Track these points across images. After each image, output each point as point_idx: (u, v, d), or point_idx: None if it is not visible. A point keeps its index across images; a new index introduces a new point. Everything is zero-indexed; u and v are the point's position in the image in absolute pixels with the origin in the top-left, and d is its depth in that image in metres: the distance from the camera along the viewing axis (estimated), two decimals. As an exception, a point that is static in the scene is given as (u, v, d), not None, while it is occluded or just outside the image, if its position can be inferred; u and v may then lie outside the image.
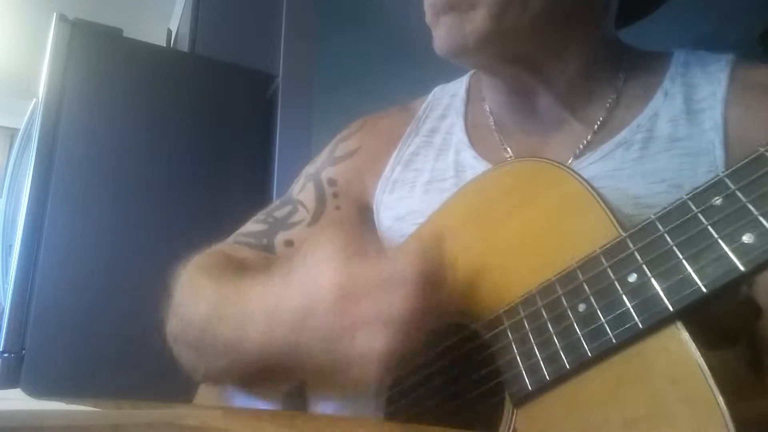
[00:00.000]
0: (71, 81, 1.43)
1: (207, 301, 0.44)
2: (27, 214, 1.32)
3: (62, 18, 1.46)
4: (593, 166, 0.50)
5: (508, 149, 0.56)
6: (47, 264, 1.30)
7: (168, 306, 0.49)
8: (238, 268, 0.53)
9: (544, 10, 0.47)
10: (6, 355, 1.25)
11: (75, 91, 1.43)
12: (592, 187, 0.37)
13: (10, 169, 1.69)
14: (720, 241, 0.27)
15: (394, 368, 0.33)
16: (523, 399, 0.34)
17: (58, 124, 1.39)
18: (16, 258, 1.30)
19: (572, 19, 0.50)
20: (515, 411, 0.34)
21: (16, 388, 1.20)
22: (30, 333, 1.26)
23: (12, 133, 3.04)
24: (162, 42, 2.54)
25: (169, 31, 2.66)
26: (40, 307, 1.28)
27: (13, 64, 3.03)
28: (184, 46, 2.30)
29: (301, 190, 0.65)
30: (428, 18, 0.52)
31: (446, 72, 0.69)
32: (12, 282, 1.29)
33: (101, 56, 1.49)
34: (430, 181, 0.58)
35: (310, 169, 0.67)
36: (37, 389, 1.25)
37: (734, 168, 0.29)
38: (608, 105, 0.53)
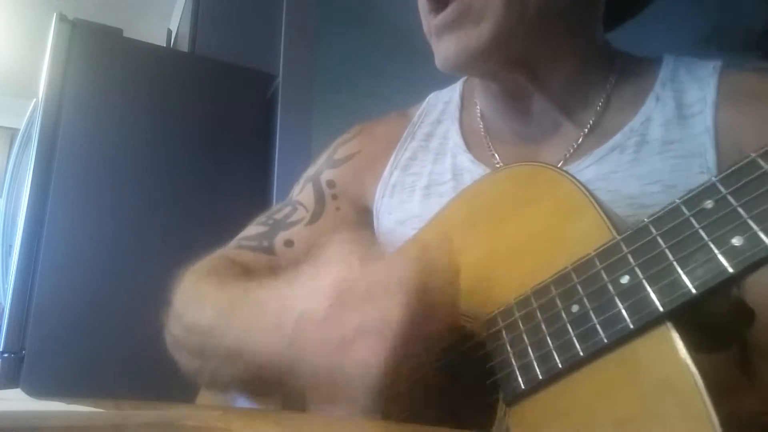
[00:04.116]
0: (71, 81, 1.44)
1: (213, 304, 0.43)
2: (27, 214, 1.33)
3: (62, 18, 1.46)
4: (588, 169, 0.51)
5: (496, 155, 0.57)
6: (47, 264, 1.31)
7: (168, 312, 0.48)
8: (243, 271, 0.54)
9: (540, 10, 0.48)
10: (6, 355, 1.25)
11: (75, 91, 1.43)
12: (588, 190, 0.37)
13: (10, 169, 1.69)
14: (710, 243, 0.28)
15: (393, 382, 0.31)
16: (515, 398, 0.34)
17: (58, 124, 1.40)
18: (16, 258, 1.30)
19: (564, 18, 0.51)
20: (508, 410, 0.35)
21: (16, 388, 1.20)
22: (30, 333, 1.26)
23: (12, 133, 3.04)
24: (162, 42, 2.54)
25: (169, 31, 2.66)
26: (40, 307, 1.28)
27: (13, 64, 3.03)
28: (184, 46, 2.30)
29: (301, 191, 0.66)
30: (428, 32, 0.51)
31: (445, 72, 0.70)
32: (12, 282, 1.29)
33: (101, 56, 1.50)
34: (428, 185, 0.59)
35: (309, 172, 0.68)
36: (37, 389, 1.26)
37: (726, 173, 0.29)
38: (598, 108, 0.54)
